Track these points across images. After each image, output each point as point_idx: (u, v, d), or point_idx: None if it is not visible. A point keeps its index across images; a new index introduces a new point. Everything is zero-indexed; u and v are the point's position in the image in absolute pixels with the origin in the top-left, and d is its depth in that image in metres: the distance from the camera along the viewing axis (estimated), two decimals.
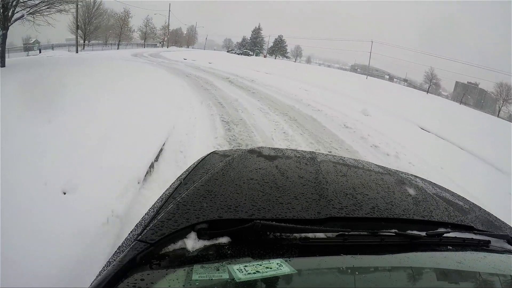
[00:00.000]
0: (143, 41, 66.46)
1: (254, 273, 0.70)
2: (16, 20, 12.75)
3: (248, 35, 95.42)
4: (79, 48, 42.73)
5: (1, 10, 11.96)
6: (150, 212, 1.07)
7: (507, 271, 0.98)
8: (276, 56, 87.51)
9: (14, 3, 12.12)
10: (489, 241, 1.10)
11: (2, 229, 2.14)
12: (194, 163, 1.56)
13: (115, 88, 7.89)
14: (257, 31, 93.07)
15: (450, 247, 1.03)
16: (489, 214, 1.49)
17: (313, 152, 1.95)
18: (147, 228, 0.87)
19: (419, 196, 1.37)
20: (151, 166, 3.93)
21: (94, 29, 54.64)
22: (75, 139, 4.01)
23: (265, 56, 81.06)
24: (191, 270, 0.71)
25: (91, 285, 0.68)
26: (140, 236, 0.82)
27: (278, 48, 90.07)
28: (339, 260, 0.86)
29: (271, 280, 0.70)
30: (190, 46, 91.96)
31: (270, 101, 11.03)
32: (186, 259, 0.78)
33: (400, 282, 0.82)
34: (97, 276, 0.78)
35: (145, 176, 3.64)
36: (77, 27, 33.42)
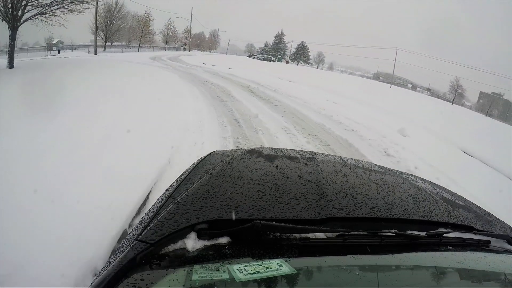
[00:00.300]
0: (166, 44, 66.24)
1: (254, 273, 0.70)
2: (26, 20, 12.38)
3: (271, 41, 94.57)
4: (99, 50, 42.53)
5: (10, 10, 11.67)
6: (150, 212, 1.06)
7: (507, 271, 0.96)
8: (298, 62, 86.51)
9: (23, 2, 11.76)
10: (489, 241, 1.10)
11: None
12: (194, 163, 1.55)
13: (108, 104, 6.58)
14: (279, 37, 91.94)
15: (450, 247, 1.03)
16: (489, 214, 1.49)
17: (313, 152, 1.98)
18: (147, 228, 0.86)
19: (419, 196, 1.38)
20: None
21: (115, 31, 54.64)
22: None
23: (287, 62, 79.60)
24: (191, 270, 0.71)
25: (91, 285, 0.68)
26: (140, 236, 0.82)
27: (301, 54, 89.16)
28: (339, 260, 0.87)
29: (271, 280, 0.70)
30: (212, 50, 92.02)
31: (296, 117, 9.43)
32: (186, 259, 0.78)
33: (400, 282, 0.81)
34: (97, 276, 0.77)
35: None
36: (96, 28, 32.85)
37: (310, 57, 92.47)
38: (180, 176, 1.40)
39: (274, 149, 1.92)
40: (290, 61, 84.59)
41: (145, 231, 0.85)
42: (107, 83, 9.57)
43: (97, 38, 55.79)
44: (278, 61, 74.45)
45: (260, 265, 0.73)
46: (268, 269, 0.72)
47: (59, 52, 35.81)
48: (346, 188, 1.28)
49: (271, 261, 0.76)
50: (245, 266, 0.73)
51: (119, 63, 17.44)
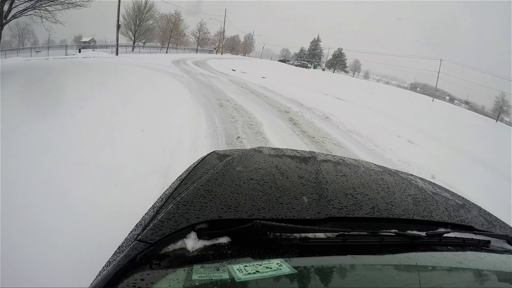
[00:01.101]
0: (197, 46, 63.11)
1: (254, 273, 0.70)
2: (14, 17, 11.46)
3: (306, 46, 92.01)
4: (125, 50, 39.52)
5: None
6: (150, 212, 1.07)
7: (507, 271, 0.97)
8: (334, 70, 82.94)
9: None
10: (489, 241, 1.10)
11: None
12: (194, 163, 1.55)
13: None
14: (315, 43, 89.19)
15: (450, 247, 1.03)
16: (489, 214, 1.50)
17: (313, 152, 1.97)
18: (147, 228, 0.86)
19: (419, 196, 1.38)
20: None
21: (144, 31, 51.90)
22: None
23: (323, 69, 75.45)
24: (191, 270, 0.71)
25: (91, 285, 0.68)
26: (140, 236, 0.82)
27: (337, 62, 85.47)
28: (339, 260, 0.88)
29: (271, 280, 0.70)
30: (246, 54, 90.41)
31: None
32: (186, 259, 0.78)
33: (400, 282, 0.81)
34: (97, 276, 0.78)
35: None
36: (118, 27, 30.03)
37: (347, 64, 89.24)
38: (180, 176, 1.39)
39: (274, 149, 1.93)
40: (326, 68, 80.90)
41: (145, 231, 0.84)
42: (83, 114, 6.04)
43: (126, 38, 53.55)
44: (314, 67, 70.39)
45: (260, 265, 0.74)
46: (268, 269, 0.72)
47: (79, 52, 33.09)
48: (346, 188, 1.28)
49: (271, 261, 0.76)
50: (245, 266, 0.73)
51: (127, 69, 14.50)
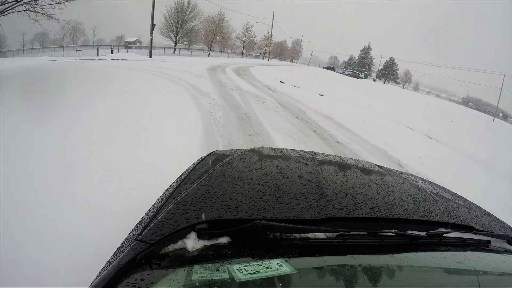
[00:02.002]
0: (243, 50, 59.12)
1: (254, 273, 0.70)
2: (3, 13, 10.44)
3: (356, 54, 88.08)
4: (164, 52, 36.06)
5: None
6: (150, 212, 1.07)
7: (507, 271, 0.97)
8: (385, 81, 78.62)
9: None
10: (489, 241, 1.11)
11: None
12: (194, 163, 1.56)
13: None
14: (366, 51, 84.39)
15: (450, 247, 1.04)
16: (489, 214, 1.50)
17: (313, 152, 1.97)
18: (147, 228, 0.86)
19: (419, 196, 1.38)
20: None
21: (187, 33, 48.55)
22: None
23: (374, 80, 70.86)
24: (191, 270, 0.71)
25: (91, 285, 0.68)
26: (140, 236, 0.82)
27: (388, 72, 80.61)
28: (339, 260, 0.87)
29: (271, 280, 0.70)
30: (293, 61, 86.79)
31: None
32: (186, 259, 0.78)
33: (400, 282, 0.81)
34: (97, 276, 0.78)
35: None
36: (152, 27, 26.24)
37: (398, 75, 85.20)
38: (180, 176, 1.39)
39: (274, 149, 1.93)
40: (377, 79, 76.47)
41: (145, 231, 0.85)
42: None
43: (168, 40, 50.31)
44: (365, 77, 66.41)
45: (260, 265, 0.74)
46: (268, 269, 0.72)
47: (112, 52, 30.00)
48: (346, 188, 1.28)
49: (271, 261, 0.76)
50: (245, 266, 0.73)
51: (127, 79, 10.89)
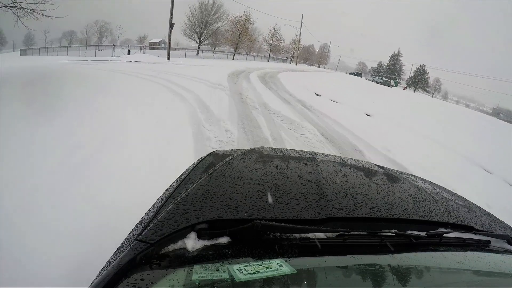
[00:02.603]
0: (269, 53, 56.15)
1: (254, 273, 0.70)
2: None
3: (384, 60, 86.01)
4: (185, 54, 33.67)
5: None
6: (150, 212, 1.07)
7: (507, 271, 0.97)
8: (415, 89, 76.28)
9: None
10: (489, 241, 1.11)
11: None
12: (194, 163, 1.55)
13: None
14: (395, 57, 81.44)
15: (450, 247, 1.04)
16: (489, 214, 1.50)
17: (313, 152, 1.97)
18: (147, 228, 0.86)
19: (419, 196, 1.38)
20: None
21: (211, 34, 46.12)
22: None
23: (404, 88, 68.35)
24: (191, 270, 0.71)
25: (91, 285, 0.68)
26: (140, 236, 0.82)
27: (419, 80, 77.92)
28: (339, 260, 0.87)
29: (271, 280, 0.70)
30: (321, 66, 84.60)
31: None
32: (186, 259, 0.78)
33: (400, 282, 0.81)
34: (97, 276, 0.78)
35: None
36: (171, 26, 23.68)
37: (429, 83, 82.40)
38: (180, 176, 1.39)
39: (274, 149, 1.93)
40: (406, 87, 74.84)
41: (145, 231, 0.84)
42: None
43: (192, 41, 48.05)
44: (395, 85, 62.65)
45: (260, 265, 0.74)
46: (268, 269, 0.72)
47: (128, 53, 27.97)
48: (346, 188, 1.28)
49: (271, 261, 0.76)
50: (245, 266, 0.73)
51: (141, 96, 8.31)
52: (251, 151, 1.74)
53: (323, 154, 1.98)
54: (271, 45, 54.46)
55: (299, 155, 1.78)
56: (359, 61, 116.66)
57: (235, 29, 43.15)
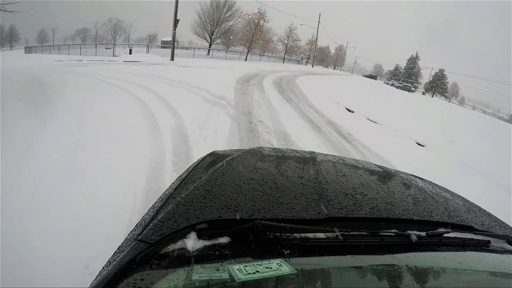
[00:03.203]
0: (284, 55, 53.07)
1: (254, 273, 0.70)
2: None
3: (401, 63, 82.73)
4: (194, 54, 31.11)
5: None
6: (150, 212, 1.07)
7: (507, 271, 0.97)
8: (433, 94, 72.51)
9: None
10: (489, 241, 1.10)
11: None
12: (194, 163, 1.56)
13: None
14: (413, 61, 77.23)
15: (450, 247, 1.04)
16: (489, 214, 1.49)
17: (313, 152, 1.96)
18: (147, 228, 0.86)
19: (419, 196, 1.38)
20: None
21: (223, 33, 43.47)
22: None
23: (423, 93, 65.26)
24: (191, 270, 0.71)
25: (91, 285, 0.68)
26: (140, 236, 0.82)
27: (437, 85, 74.09)
28: (339, 260, 0.87)
29: (271, 280, 0.70)
30: (336, 68, 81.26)
31: None
32: (186, 259, 0.78)
33: (400, 282, 0.81)
34: (97, 276, 0.78)
35: None
36: (175, 23, 21.12)
37: (448, 89, 78.99)
38: (180, 176, 1.39)
39: (274, 149, 1.93)
40: (425, 92, 72.09)
41: (145, 231, 0.84)
42: None
43: (200, 39, 45.53)
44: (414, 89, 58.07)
45: (260, 265, 0.73)
46: (268, 269, 0.72)
47: (130, 53, 25.50)
48: (346, 188, 1.28)
49: (271, 261, 0.76)
50: (245, 266, 0.73)
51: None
52: (251, 151, 1.74)
53: (323, 154, 2.00)
54: (286, 46, 51.21)
55: (299, 155, 1.78)
56: (375, 64, 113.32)
57: (248, 27, 40.05)
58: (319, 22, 51.51)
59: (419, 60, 77.05)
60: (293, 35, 49.95)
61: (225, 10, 42.52)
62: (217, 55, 37.08)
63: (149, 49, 26.46)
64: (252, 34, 38.87)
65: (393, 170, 1.85)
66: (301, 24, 50.71)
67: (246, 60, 37.83)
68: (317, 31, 51.50)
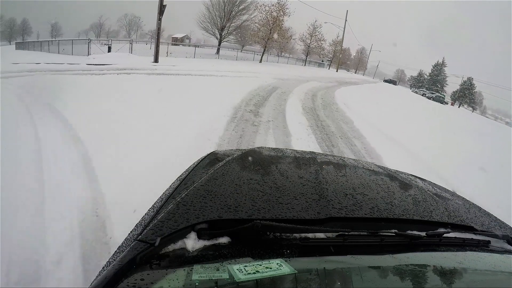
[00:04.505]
0: (306, 56, 46.32)
1: (254, 273, 0.70)
2: None
3: (426, 69, 78.71)
4: (194, 54, 24.99)
5: None
6: (150, 212, 1.06)
7: (507, 271, 0.97)
8: (460, 104, 66.41)
9: None
10: (489, 241, 1.10)
11: None
12: (194, 163, 1.55)
13: None
14: (439, 67, 72.48)
15: (450, 247, 1.03)
16: (489, 214, 1.48)
17: (313, 152, 1.96)
18: (147, 228, 0.86)
19: (419, 196, 1.37)
20: None
21: (235, 29, 37.25)
22: None
23: (452, 104, 58.32)
24: (191, 270, 0.70)
25: (91, 285, 0.67)
26: (140, 236, 0.82)
27: (465, 94, 68.36)
28: (339, 260, 0.87)
29: (271, 280, 0.69)
30: (357, 72, 75.92)
31: None
32: (186, 259, 0.77)
33: (400, 282, 0.81)
34: (97, 276, 0.77)
35: None
36: (161, 11, 14.75)
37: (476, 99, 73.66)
38: (180, 176, 1.38)
39: (274, 149, 1.91)
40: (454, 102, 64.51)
41: (145, 231, 0.84)
42: None
43: (207, 36, 39.59)
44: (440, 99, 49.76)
45: (260, 265, 0.73)
46: (268, 269, 0.71)
47: (109, 51, 21.20)
48: (346, 188, 1.28)
49: (271, 261, 0.75)
50: (245, 266, 0.72)
51: None
52: (251, 151, 1.73)
53: (323, 154, 2.01)
54: (309, 46, 44.39)
55: (299, 155, 1.77)
56: (397, 68, 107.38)
57: (265, 22, 32.62)
58: (346, 20, 44.76)
59: (445, 66, 72.51)
60: (317, 33, 43.22)
61: (238, 2, 35.87)
62: (227, 55, 30.95)
63: (131, 46, 20.32)
64: (269, 30, 31.99)
65: (393, 170, 1.84)
66: (325, 22, 43.53)
67: (261, 61, 31.32)
68: (344, 31, 44.74)
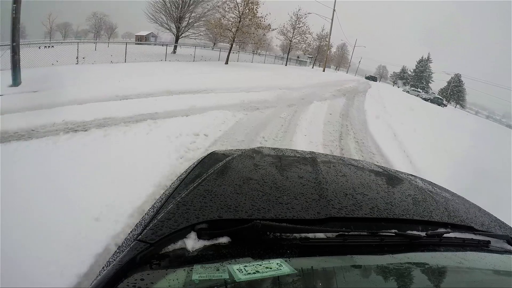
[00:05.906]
0: (288, 54, 37.95)
1: (254, 273, 0.70)
2: None
3: (409, 65, 78.40)
4: (124, 53, 16.51)
5: None
6: (150, 212, 1.06)
7: (507, 271, 0.96)
8: (448, 101, 63.15)
9: None
10: (489, 241, 1.10)
11: None
12: (194, 163, 1.54)
13: None
14: (424, 63, 70.33)
15: (450, 247, 1.03)
16: (489, 214, 1.48)
17: (313, 152, 1.94)
18: (147, 228, 0.85)
19: (419, 196, 1.37)
20: None
21: (196, 21, 28.38)
22: None
23: (445, 105, 51.21)
24: (191, 270, 0.70)
25: (91, 285, 0.67)
26: (140, 236, 0.81)
27: (453, 92, 65.95)
28: (339, 260, 0.86)
29: (271, 280, 0.70)
30: (338, 68, 72.28)
31: None
32: (186, 259, 0.77)
33: (400, 282, 0.80)
34: (97, 276, 0.77)
35: None
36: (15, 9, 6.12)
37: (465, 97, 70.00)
38: (180, 176, 1.37)
39: (274, 149, 1.90)
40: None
41: (145, 231, 0.84)
42: None
43: (164, 31, 31.48)
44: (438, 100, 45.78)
45: (260, 265, 0.73)
46: (268, 269, 0.71)
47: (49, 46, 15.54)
48: (346, 188, 1.27)
49: (271, 261, 0.75)
50: (245, 266, 0.72)
51: None
52: (251, 151, 1.73)
53: (323, 154, 1.97)
54: (291, 41, 35.35)
55: (299, 155, 1.77)
56: (379, 64, 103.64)
57: (233, 4, 21.74)
58: (334, 10, 36.90)
59: (430, 62, 70.59)
60: (300, 25, 34.57)
61: None
62: (186, 53, 22.58)
63: (49, 46, 12.65)
64: (239, 17, 21.85)
65: (393, 170, 1.83)
66: (309, 13, 34.76)
67: (227, 62, 22.72)
68: (332, 23, 37.00)
